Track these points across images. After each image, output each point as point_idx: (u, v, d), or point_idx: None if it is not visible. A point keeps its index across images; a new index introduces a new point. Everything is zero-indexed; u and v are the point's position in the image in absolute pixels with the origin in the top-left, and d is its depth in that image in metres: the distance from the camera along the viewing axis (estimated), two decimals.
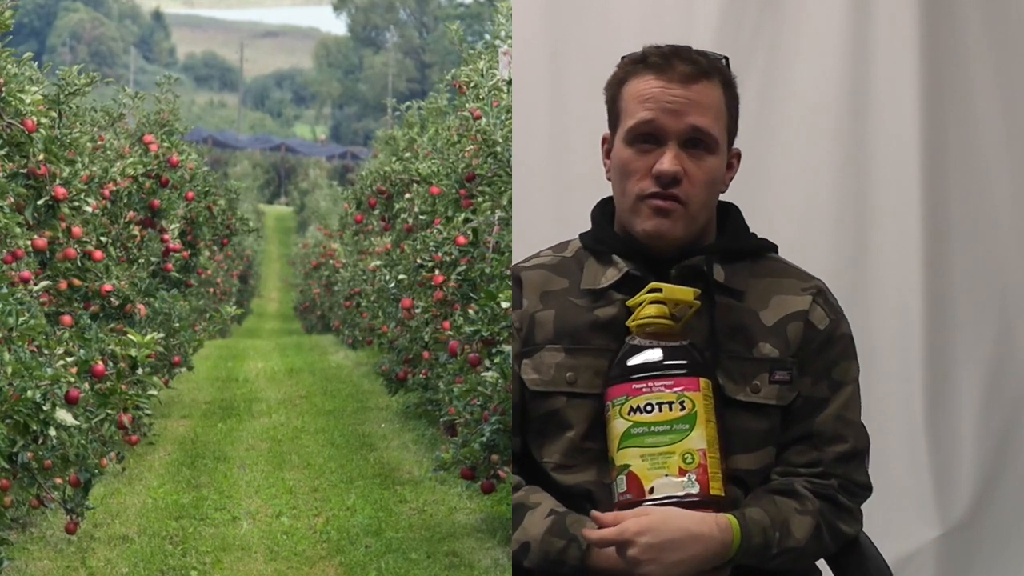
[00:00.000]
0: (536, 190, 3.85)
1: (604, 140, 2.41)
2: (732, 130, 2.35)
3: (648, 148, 2.27)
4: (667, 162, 2.24)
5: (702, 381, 2.19)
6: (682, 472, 2.16)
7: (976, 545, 3.97)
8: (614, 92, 2.35)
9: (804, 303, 2.32)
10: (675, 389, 2.17)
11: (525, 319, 2.36)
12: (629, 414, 2.18)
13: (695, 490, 2.15)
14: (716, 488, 2.17)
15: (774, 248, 2.42)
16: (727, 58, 2.37)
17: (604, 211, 2.43)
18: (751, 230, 2.43)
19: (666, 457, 2.16)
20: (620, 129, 2.32)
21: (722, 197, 2.40)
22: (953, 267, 4.00)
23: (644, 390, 2.18)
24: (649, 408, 2.17)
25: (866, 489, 2.35)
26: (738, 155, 2.40)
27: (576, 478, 2.29)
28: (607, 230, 2.39)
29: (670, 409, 2.17)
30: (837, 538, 2.30)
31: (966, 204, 4.00)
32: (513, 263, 2.52)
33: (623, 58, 2.37)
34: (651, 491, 2.16)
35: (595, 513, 2.18)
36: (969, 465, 4.01)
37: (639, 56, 2.32)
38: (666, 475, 2.16)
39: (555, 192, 3.87)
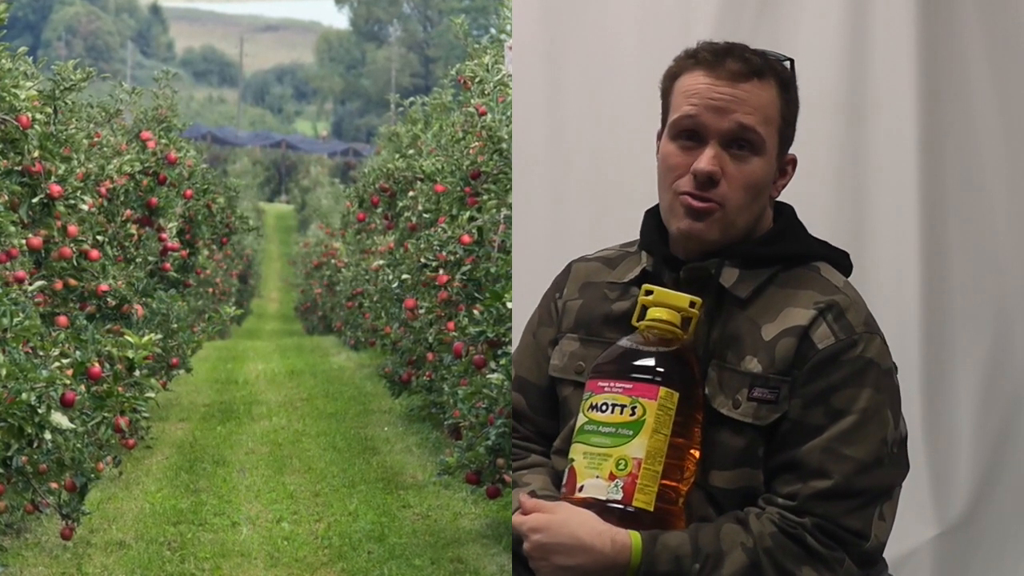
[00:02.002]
0: (537, 188, 3.89)
1: (658, 136, 2.37)
2: (786, 134, 2.30)
3: (690, 145, 2.24)
4: (704, 161, 2.21)
5: (663, 391, 2.16)
6: (612, 477, 2.15)
7: (973, 544, 4.02)
8: (667, 86, 2.32)
9: (806, 318, 2.19)
10: (631, 394, 2.17)
11: (561, 307, 2.42)
12: (589, 410, 2.21)
13: (618, 497, 2.15)
14: (642, 501, 2.14)
15: (829, 256, 2.33)
16: (792, 60, 2.32)
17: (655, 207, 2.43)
18: (821, 238, 2.37)
19: (603, 459, 2.17)
20: (667, 123, 2.30)
21: None
22: (950, 267, 4.04)
23: (605, 389, 2.20)
24: (604, 408, 2.19)
25: (858, 536, 2.15)
26: (794, 161, 2.36)
27: (565, 464, 2.32)
28: (649, 224, 2.38)
29: (620, 412, 2.17)
30: None
31: (963, 204, 4.04)
32: (513, 261, 2.53)
33: (683, 52, 2.34)
34: (581, 489, 2.18)
35: (521, 497, 2.23)
36: (966, 465, 4.05)
37: (692, 51, 2.30)
38: (596, 476, 2.17)
39: (555, 191, 3.90)
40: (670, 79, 2.30)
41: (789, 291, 2.23)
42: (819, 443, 2.14)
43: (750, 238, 2.28)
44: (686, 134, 2.24)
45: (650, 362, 2.19)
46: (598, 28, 3.93)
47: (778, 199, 2.38)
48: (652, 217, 2.37)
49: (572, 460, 2.21)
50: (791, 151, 2.35)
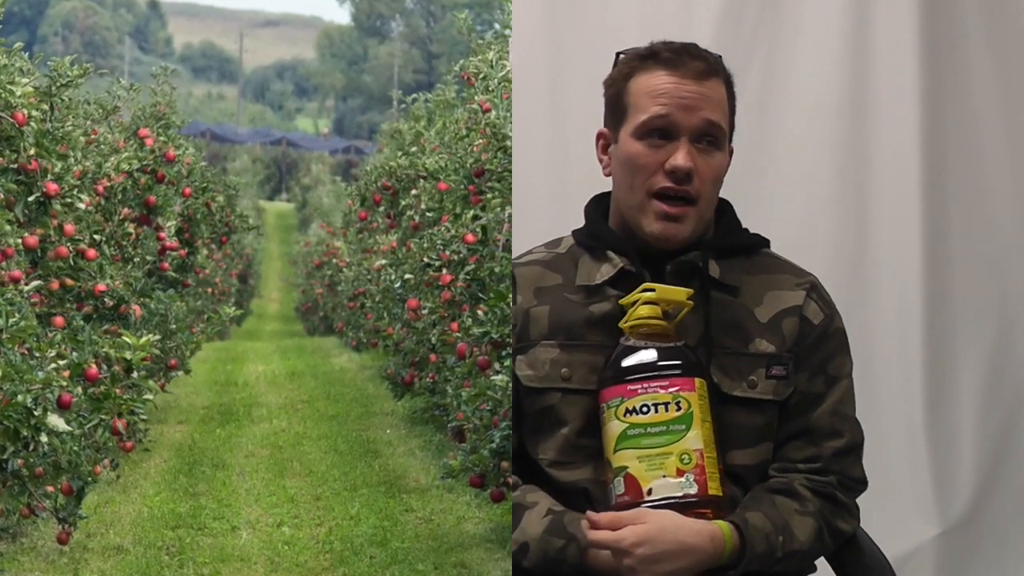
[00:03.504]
0: (537, 187, 3.91)
1: (600, 136, 2.46)
2: (732, 127, 2.42)
3: (660, 143, 2.33)
4: (681, 157, 2.31)
5: (697, 381, 2.25)
6: (680, 472, 2.21)
7: (975, 544, 4.08)
8: (619, 88, 2.40)
9: (798, 298, 2.39)
10: (671, 390, 2.23)
11: (520, 315, 2.43)
12: (625, 415, 2.24)
13: (693, 490, 2.21)
14: (714, 488, 2.23)
15: (766, 243, 2.48)
16: (721, 57, 2.43)
17: (598, 207, 2.49)
18: (745, 227, 2.50)
19: (663, 458, 2.21)
20: (628, 124, 2.37)
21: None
22: (953, 267, 4.11)
23: (639, 391, 2.24)
24: (645, 409, 2.23)
25: (862, 484, 2.42)
26: (731, 152, 2.47)
27: (572, 475, 2.35)
28: (602, 225, 2.45)
29: (666, 410, 2.22)
30: (836, 537, 2.36)
31: (966, 204, 4.11)
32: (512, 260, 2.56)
33: (620, 53, 2.43)
34: (649, 492, 2.21)
35: (591, 514, 2.24)
36: (968, 464, 4.12)
37: (646, 51, 2.38)
38: (664, 476, 2.21)
39: (555, 190, 3.92)
40: (622, 80, 2.39)
41: (763, 276, 2.41)
42: (827, 408, 2.38)
43: (706, 229, 2.41)
44: (656, 133, 2.33)
45: (677, 357, 2.27)
46: (599, 28, 3.95)
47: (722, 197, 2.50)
48: (597, 213, 2.46)
49: (625, 468, 2.23)
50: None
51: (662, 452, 2.21)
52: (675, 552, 2.18)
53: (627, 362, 2.27)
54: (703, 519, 2.21)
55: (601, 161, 2.46)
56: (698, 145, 2.33)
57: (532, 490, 2.36)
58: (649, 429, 2.22)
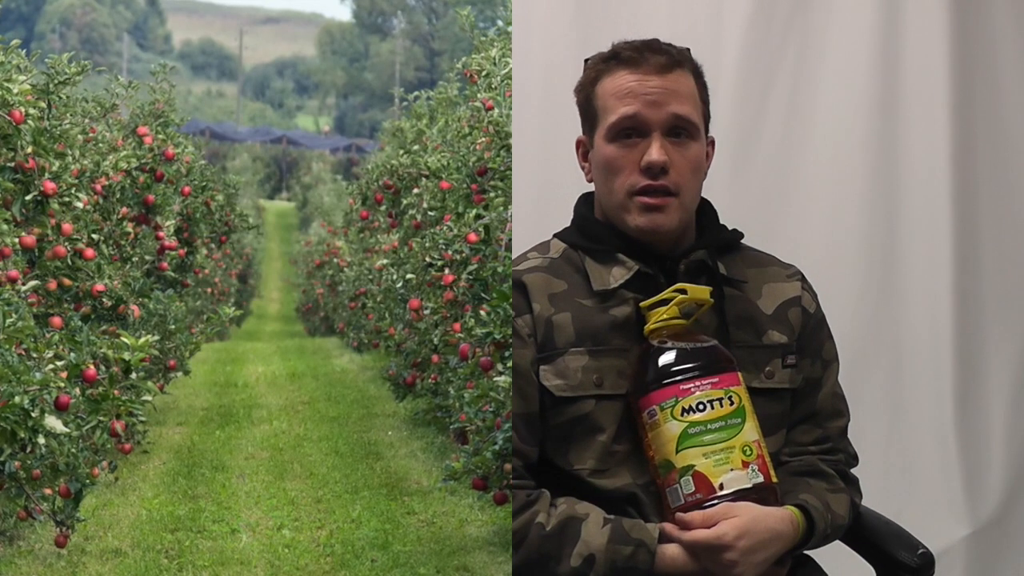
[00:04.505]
0: (538, 187, 3.92)
1: (579, 144, 2.52)
2: (706, 117, 2.49)
3: (632, 142, 2.39)
4: (655, 152, 2.36)
5: (741, 375, 2.36)
6: (744, 464, 2.30)
7: (1006, 543, 4.13)
8: (588, 93, 2.47)
9: (795, 289, 2.52)
10: (720, 386, 2.32)
11: (540, 323, 2.41)
12: (682, 415, 2.31)
13: (760, 480, 2.31)
14: (775, 475, 2.34)
15: (742, 236, 2.57)
16: (689, 49, 2.48)
17: (590, 209, 2.53)
18: (731, 228, 2.57)
19: (728, 452, 2.30)
20: (600, 128, 2.43)
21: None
22: (983, 266, 4.15)
23: (693, 390, 2.32)
24: (701, 407, 2.31)
25: (856, 459, 2.58)
26: (713, 143, 2.52)
27: (615, 482, 2.38)
28: (600, 227, 2.48)
29: (720, 406, 2.32)
30: (854, 510, 2.51)
31: (996, 203, 4.14)
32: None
33: (588, 60, 2.49)
34: (721, 487, 2.30)
35: (680, 516, 2.30)
36: (999, 463, 4.18)
37: (608, 54, 2.45)
38: (731, 470, 2.30)
39: (556, 189, 3.92)
40: (590, 85, 2.46)
41: (756, 269, 2.52)
42: (827, 391, 2.53)
43: (693, 222, 2.49)
44: (625, 132, 2.38)
45: (718, 353, 2.36)
46: (627, 31, 3.98)
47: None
48: (597, 221, 2.49)
49: (692, 466, 2.30)
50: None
51: (726, 447, 2.30)
52: (769, 540, 2.28)
53: (674, 364, 2.33)
54: (773, 506, 2.31)
55: (583, 168, 2.51)
56: (672, 139, 2.37)
57: (575, 500, 2.36)
58: (709, 426, 2.30)
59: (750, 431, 2.32)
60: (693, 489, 2.29)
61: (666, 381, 2.32)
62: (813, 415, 2.51)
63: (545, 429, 2.40)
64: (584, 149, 2.50)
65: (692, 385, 2.31)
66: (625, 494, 2.36)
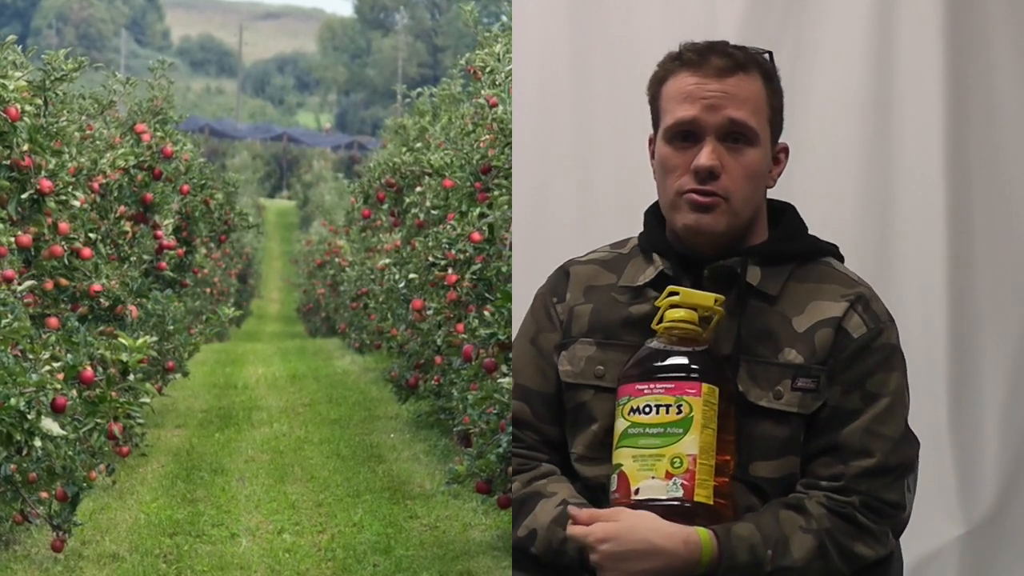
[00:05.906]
0: (538, 187, 3.94)
1: (650, 141, 2.52)
2: (776, 123, 2.46)
3: (687, 145, 2.39)
4: (704, 157, 2.36)
5: (705, 387, 2.29)
6: (668, 476, 2.26)
7: (1000, 543, 4.14)
8: (655, 91, 2.48)
9: (839, 310, 2.40)
10: (674, 393, 2.29)
11: (567, 312, 2.51)
12: (629, 414, 2.31)
13: (679, 494, 2.26)
14: (702, 496, 2.27)
15: (832, 250, 2.52)
16: (771, 52, 2.48)
17: (657, 210, 2.54)
18: (813, 234, 2.53)
19: (655, 459, 2.27)
20: (661, 128, 2.44)
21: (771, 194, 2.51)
22: (977, 263, 4.19)
23: (645, 391, 2.30)
24: (647, 409, 2.30)
25: (897, 508, 2.40)
26: (786, 149, 2.52)
27: (596, 471, 2.42)
28: (655, 228, 2.52)
29: (667, 412, 2.28)
30: (850, 560, 2.34)
31: (990, 200, 4.19)
32: (514, 261, 2.60)
33: (666, 56, 2.49)
34: (636, 492, 2.28)
35: (571, 509, 2.32)
36: (993, 463, 4.18)
37: (675, 54, 2.45)
38: (652, 477, 2.27)
39: (557, 188, 3.95)
40: (657, 84, 2.47)
41: (811, 285, 2.43)
42: (859, 425, 2.37)
43: (752, 230, 2.46)
44: (682, 135, 2.39)
45: (686, 360, 2.32)
46: (621, 29, 4.00)
47: (781, 200, 2.55)
48: (654, 218, 2.53)
49: (620, 465, 2.30)
50: (782, 140, 2.52)
51: (655, 454, 2.27)
52: (642, 552, 2.23)
53: (636, 361, 2.35)
54: (686, 524, 2.25)
55: (652, 166, 2.51)
56: (727, 144, 2.37)
57: (556, 480, 2.44)
58: (647, 429, 2.29)
59: (690, 444, 2.26)
60: (615, 488, 2.30)
61: (627, 378, 2.34)
62: (835, 448, 2.36)
63: (561, 412, 2.49)
64: (652, 147, 2.50)
65: (645, 387, 2.30)
66: (600, 483, 2.40)
